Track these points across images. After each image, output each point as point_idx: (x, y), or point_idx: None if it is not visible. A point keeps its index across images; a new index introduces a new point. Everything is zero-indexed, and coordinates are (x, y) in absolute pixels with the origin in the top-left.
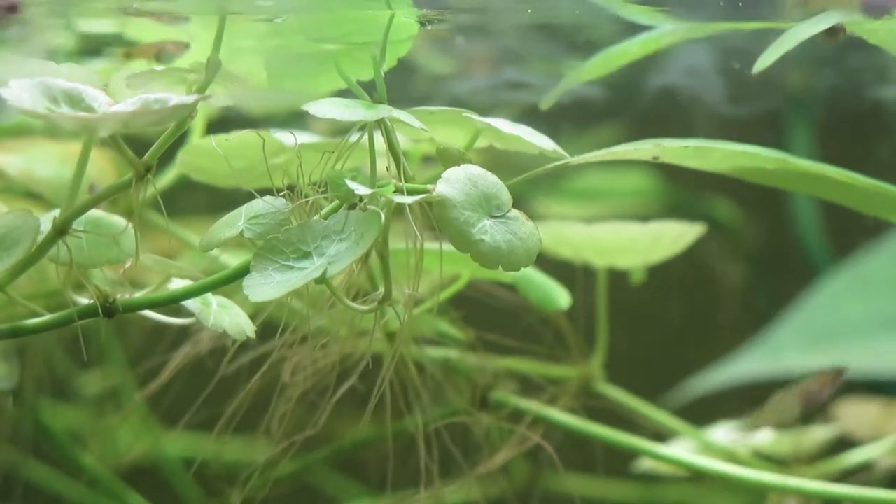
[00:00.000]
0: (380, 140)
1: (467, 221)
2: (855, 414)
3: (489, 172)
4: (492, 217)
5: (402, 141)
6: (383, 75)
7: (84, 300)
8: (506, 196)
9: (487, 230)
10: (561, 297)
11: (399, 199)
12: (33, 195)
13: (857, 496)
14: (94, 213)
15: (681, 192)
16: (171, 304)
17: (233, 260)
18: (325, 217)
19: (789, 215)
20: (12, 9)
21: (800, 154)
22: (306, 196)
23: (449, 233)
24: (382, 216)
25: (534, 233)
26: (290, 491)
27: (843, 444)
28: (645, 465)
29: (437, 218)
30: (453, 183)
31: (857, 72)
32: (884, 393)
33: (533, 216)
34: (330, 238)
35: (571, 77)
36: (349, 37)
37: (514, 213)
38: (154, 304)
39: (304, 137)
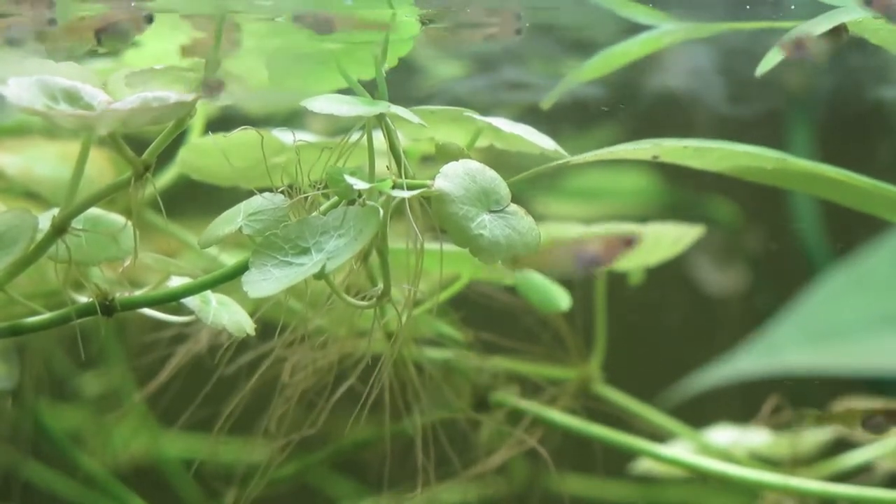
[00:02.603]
0: (381, 140)
1: (466, 216)
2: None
3: (487, 167)
4: (490, 212)
5: (403, 141)
6: (384, 74)
7: (83, 299)
8: (504, 191)
9: (486, 225)
10: (561, 298)
11: (397, 193)
12: (33, 195)
13: (857, 496)
14: (93, 211)
15: (680, 192)
16: (171, 301)
17: (232, 260)
18: (324, 213)
19: (789, 215)
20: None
21: (800, 154)
22: (305, 193)
23: (448, 228)
24: (381, 212)
25: (532, 227)
26: (289, 491)
27: (842, 445)
28: (643, 466)
29: (435, 213)
30: (452, 178)
31: (857, 71)
32: (884, 393)
33: (532, 216)
34: (328, 234)
35: (572, 77)
36: (349, 36)
37: (513, 207)
38: (153, 302)
39: (304, 137)
